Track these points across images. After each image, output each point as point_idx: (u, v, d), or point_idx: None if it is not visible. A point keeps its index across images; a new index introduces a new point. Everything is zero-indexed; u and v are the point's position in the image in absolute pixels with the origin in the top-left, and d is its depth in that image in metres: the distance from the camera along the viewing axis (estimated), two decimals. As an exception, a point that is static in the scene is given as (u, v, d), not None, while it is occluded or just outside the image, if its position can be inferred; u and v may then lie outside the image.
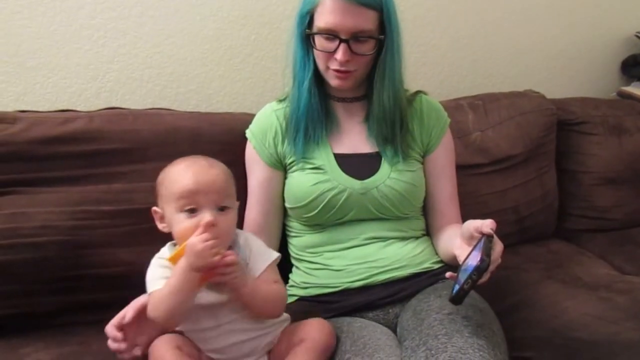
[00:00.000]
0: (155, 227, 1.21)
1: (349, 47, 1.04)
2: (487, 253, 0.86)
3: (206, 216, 0.88)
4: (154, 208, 0.96)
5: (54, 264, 1.14)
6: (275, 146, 1.17)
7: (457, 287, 0.88)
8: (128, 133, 1.24)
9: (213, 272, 0.87)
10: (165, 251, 0.96)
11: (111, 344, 0.93)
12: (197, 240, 0.85)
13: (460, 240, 1.00)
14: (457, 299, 0.87)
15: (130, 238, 1.20)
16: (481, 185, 1.53)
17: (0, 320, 1.14)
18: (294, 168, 1.15)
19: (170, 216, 0.91)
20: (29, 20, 1.33)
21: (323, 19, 1.04)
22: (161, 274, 0.91)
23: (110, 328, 0.94)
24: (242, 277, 0.91)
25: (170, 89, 1.49)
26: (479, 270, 0.84)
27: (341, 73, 1.08)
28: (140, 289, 1.20)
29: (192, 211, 0.90)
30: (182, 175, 0.92)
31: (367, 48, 1.06)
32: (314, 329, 0.98)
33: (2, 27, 1.32)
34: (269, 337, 0.98)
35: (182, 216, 0.90)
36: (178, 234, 0.91)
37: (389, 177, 1.12)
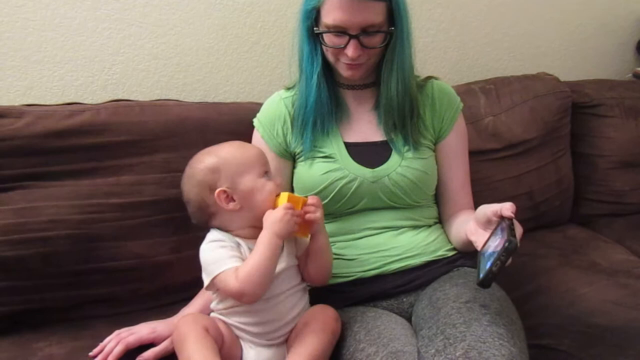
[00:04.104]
0: (166, 219, 1.21)
1: (359, 41, 1.02)
2: (512, 234, 0.84)
3: (277, 178, 1.04)
4: (221, 189, 0.96)
5: (64, 258, 1.14)
6: (284, 135, 1.16)
7: (483, 271, 0.85)
8: (135, 125, 1.23)
9: (304, 220, 0.96)
10: (216, 234, 0.98)
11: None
12: (282, 212, 0.93)
13: (475, 225, 0.98)
14: (485, 282, 0.84)
15: (141, 230, 1.20)
16: (495, 171, 1.51)
17: (13, 316, 1.14)
18: (303, 157, 1.14)
19: (252, 185, 0.97)
20: (33, 13, 1.32)
21: (331, 16, 1.01)
22: (227, 254, 0.94)
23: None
24: (323, 218, 0.99)
25: (177, 79, 1.48)
26: (507, 251, 0.82)
27: (353, 64, 1.06)
28: (152, 281, 1.21)
29: (267, 174, 0.99)
30: (246, 148, 1.01)
31: (378, 41, 1.04)
32: (317, 312, 0.99)
33: (7, 20, 1.31)
34: (295, 320, 0.99)
35: (263, 180, 0.98)
36: (268, 195, 0.97)
37: (400, 165, 1.10)
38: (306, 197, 0.99)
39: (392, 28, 1.04)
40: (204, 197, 0.97)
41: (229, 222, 0.98)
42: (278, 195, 0.98)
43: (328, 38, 1.04)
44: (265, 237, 0.91)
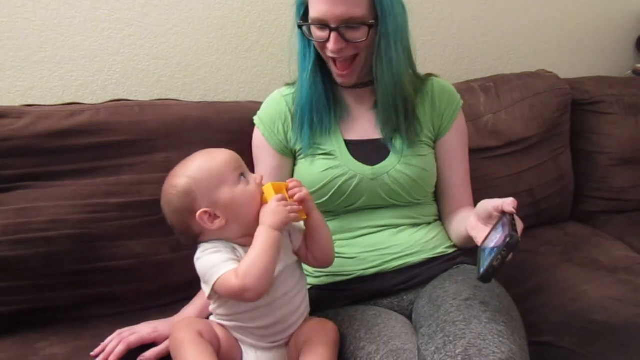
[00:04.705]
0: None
1: (342, 34, 1.02)
2: (514, 229, 0.84)
3: (257, 176, 0.97)
4: (203, 210, 0.91)
5: (65, 258, 1.14)
6: (285, 133, 1.16)
7: (484, 266, 0.84)
8: (135, 124, 1.23)
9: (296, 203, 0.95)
10: (209, 244, 0.94)
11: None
12: (274, 204, 0.91)
13: (475, 220, 0.97)
14: (486, 277, 0.83)
15: (141, 230, 1.20)
16: (495, 169, 1.51)
17: (14, 315, 1.14)
18: (303, 154, 1.14)
19: (231, 195, 0.92)
20: (33, 13, 1.33)
21: (314, 9, 1.02)
22: (224, 257, 0.90)
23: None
24: (312, 199, 0.98)
25: (176, 79, 1.48)
26: (509, 246, 0.81)
27: (343, 66, 1.07)
28: (152, 280, 1.22)
29: (243, 176, 0.95)
30: (212, 157, 0.95)
31: (360, 34, 1.03)
32: (318, 326, 0.98)
33: (7, 21, 1.31)
34: (298, 322, 0.98)
35: (242, 185, 0.94)
36: (252, 200, 0.93)
37: (400, 163, 1.11)
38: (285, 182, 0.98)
39: (373, 21, 1.02)
40: (186, 221, 0.93)
41: (219, 238, 0.95)
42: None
43: (313, 31, 1.05)
44: (261, 231, 0.90)
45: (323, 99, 1.12)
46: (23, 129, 1.15)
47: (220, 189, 0.92)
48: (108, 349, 1.01)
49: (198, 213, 0.91)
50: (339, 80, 1.10)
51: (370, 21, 1.02)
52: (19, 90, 1.35)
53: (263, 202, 0.94)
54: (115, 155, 1.21)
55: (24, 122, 1.16)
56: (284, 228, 0.92)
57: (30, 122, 1.16)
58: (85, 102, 1.33)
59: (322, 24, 1.02)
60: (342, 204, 1.11)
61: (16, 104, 1.26)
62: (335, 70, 1.09)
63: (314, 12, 1.02)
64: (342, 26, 1.01)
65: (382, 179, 1.10)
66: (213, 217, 0.92)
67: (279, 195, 0.93)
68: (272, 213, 0.90)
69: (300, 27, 1.07)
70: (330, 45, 1.03)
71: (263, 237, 0.89)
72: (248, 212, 0.93)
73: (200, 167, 0.93)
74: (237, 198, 0.92)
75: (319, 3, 1.01)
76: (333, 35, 1.02)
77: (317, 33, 1.05)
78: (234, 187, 0.93)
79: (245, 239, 0.94)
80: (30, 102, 1.31)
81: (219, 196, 0.92)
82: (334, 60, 1.07)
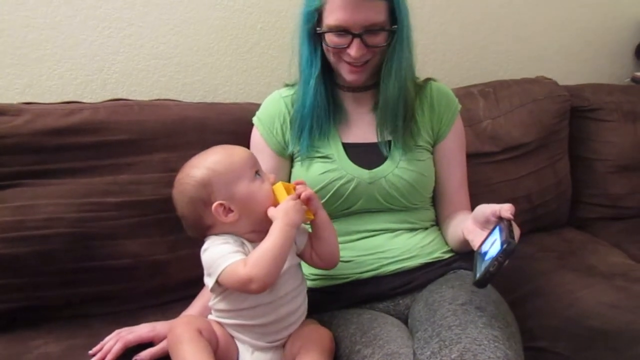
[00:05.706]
0: (163, 218, 1.21)
1: (364, 40, 1.02)
2: (511, 236, 0.84)
3: (270, 176, 0.99)
4: (218, 202, 0.92)
5: (61, 257, 1.14)
6: (284, 134, 1.16)
7: (480, 271, 0.84)
8: (134, 124, 1.23)
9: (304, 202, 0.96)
10: (215, 237, 0.95)
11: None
12: (292, 202, 0.93)
13: (472, 224, 0.98)
14: (482, 282, 0.83)
15: (138, 229, 1.20)
16: (493, 174, 1.51)
17: (10, 313, 1.14)
18: (300, 157, 1.14)
19: (247, 191, 0.94)
20: (34, 11, 1.33)
21: (333, 16, 1.02)
22: (232, 248, 0.91)
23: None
24: (317, 198, 0.99)
25: (176, 79, 1.48)
26: (506, 252, 0.81)
27: (356, 67, 1.07)
28: (148, 280, 1.21)
29: (258, 174, 0.97)
30: (231, 152, 0.97)
31: (380, 39, 1.04)
32: (313, 333, 0.98)
33: (7, 18, 1.31)
34: (297, 323, 0.99)
35: (258, 182, 0.96)
36: (266, 198, 0.95)
37: (397, 167, 1.11)
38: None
39: (395, 26, 1.04)
40: (199, 212, 0.94)
41: (229, 232, 0.96)
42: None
43: (330, 38, 1.05)
44: (278, 226, 0.90)
45: (324, 106, 1.12)
46: (21, 126, 1.15)
47: (238, 184, 0.94)
48: (106, 347, 1.01)
49: (214, 205, 0.92)
50: (349, 78, 1.09)
51: (393, 27, 1.03)
52: (17, 88, 1.35)
53: (274, 200, 0.95)
54: (113, 154, 1.20)
55: (23, 120, 1.16)
56: (299, 226, 0.93)
57: (29, 119, 1.16)
58: (84, 100, 1.33)
59: (343, 31, 1.02)
60: (339, 207, 1.11)
61: (15, 102, 1.25)
62: (346, 69, 1.08)
63: (334, 20, 1.02)
64: (364, 32, 1.02)
65: (379, 183, 1.10)
66: (227, 210, 0.93)
67: (294, 195, 0.94)
68: (290, 211, 0.91)
69: (316, 33, 1.06)
70: (353, 52, 1.03)
71: (278, 232, 0.89)
72: (261, 209, 0.94)
73: (220, 160, 0.95)
74: (253, 194, 0.94)
75: (339, 10, 1.01)
76: (355, 41, 1.02)
77: (335, 39, 1.04)
78: (251, 184, 0.94)
79: (252, 234, 0.95)
80: (29, 99, 1.30)
81: (235, 191, 0.93)
82: (347, 62, 1.07)
